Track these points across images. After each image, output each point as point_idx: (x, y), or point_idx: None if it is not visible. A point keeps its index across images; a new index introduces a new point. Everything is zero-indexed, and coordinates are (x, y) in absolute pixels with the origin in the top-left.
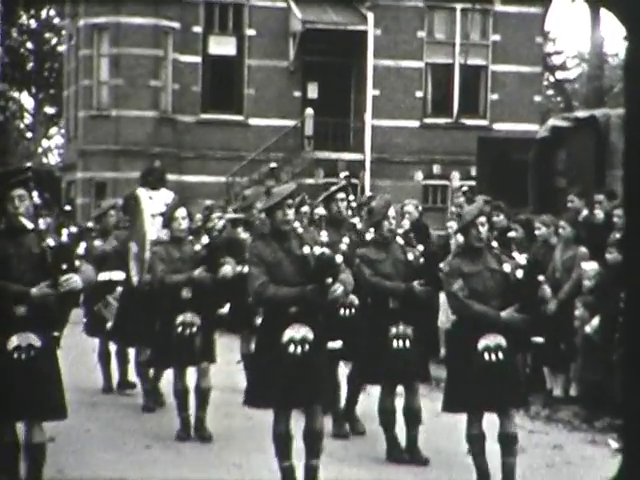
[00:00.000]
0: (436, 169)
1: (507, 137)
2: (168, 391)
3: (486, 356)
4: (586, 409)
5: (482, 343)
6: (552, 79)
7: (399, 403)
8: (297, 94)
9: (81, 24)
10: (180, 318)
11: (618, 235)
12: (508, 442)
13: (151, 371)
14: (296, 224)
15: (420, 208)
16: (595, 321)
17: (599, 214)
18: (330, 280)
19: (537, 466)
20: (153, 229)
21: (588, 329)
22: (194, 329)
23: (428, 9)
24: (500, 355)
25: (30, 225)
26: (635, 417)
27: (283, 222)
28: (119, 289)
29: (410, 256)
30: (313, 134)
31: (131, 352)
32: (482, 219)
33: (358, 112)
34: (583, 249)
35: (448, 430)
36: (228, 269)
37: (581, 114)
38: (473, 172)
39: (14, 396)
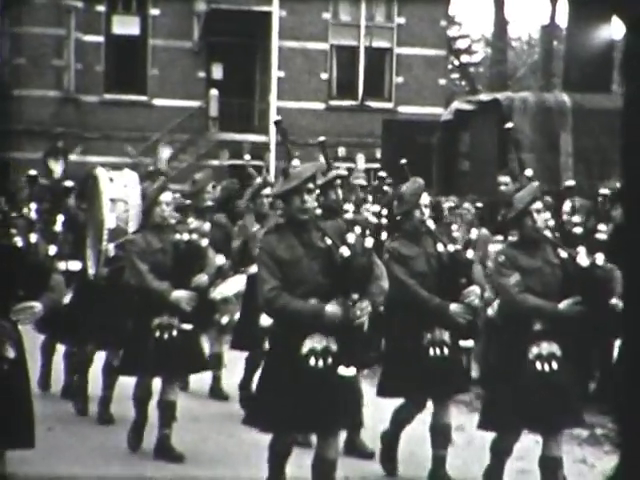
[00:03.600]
0: (341, 151)
1: (412, 120)
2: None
3: (538, 365)
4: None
5: (534, 350)
6: (457, 63)
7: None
8: (202, 75)
9: None
10: (157, 321)
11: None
12: (552, 467)
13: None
14: (317, 211)
15: None
16: (497, 303)
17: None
18: (357, 296)
19: None
20: (112, 216)
21: (490, 311)
22: (173, 332)
23: None
24: (554, 365)
25: None
26: (634, 416)
27: (301, 210)
28: None
29: (440, 247)
30: (218, 115)
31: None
32: (538, 205)
33: (263, 93)
34: (484, 231)
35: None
36: (184, 298)
37: (484, 97)
38: (378, 155)
39: None
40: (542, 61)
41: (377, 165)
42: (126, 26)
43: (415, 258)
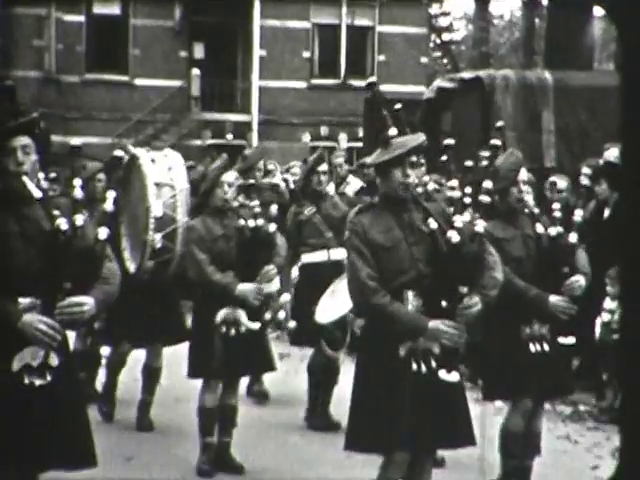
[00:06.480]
0: (324, 130)
1: (394, 98)
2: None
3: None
4: (470, 368)
5: None
6: (438, 41)
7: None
8: (183, 54)
9: None
10: (221, 314)
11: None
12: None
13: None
14: (418, 189)
15: None
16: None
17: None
18: (465, 289)
19: None
20: (158, 203)
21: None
22: (241, 329)
23: None
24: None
25: (37, 192)
26: (634, 413)
27: (402, 185)
28: None
29: (540, 229)
30: (200, 95)
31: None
32: None
33: (245, 73)
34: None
35: None
36: (251, 292)
37: (466, 75)
38: (361, 133)
39: (29, 439)
40: (524, 39)
41: (360, 144)
42: (107, 6)
43: (510, 241)
